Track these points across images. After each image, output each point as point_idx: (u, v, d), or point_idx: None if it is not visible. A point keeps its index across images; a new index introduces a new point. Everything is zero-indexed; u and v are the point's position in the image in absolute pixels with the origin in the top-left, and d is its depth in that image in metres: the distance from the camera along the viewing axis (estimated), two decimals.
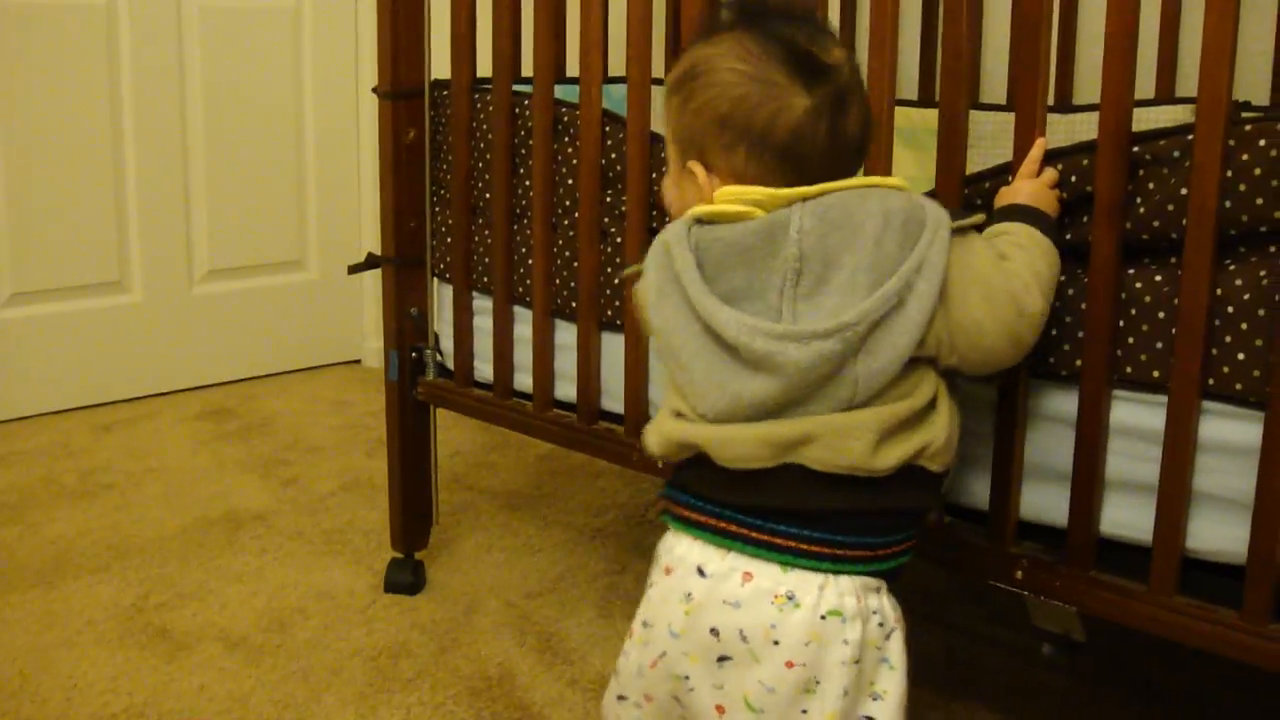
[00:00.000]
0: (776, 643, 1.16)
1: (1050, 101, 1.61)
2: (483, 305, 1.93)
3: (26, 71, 2.80)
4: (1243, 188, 1.20)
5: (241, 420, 2.95)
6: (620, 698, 1.28)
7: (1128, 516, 1.33)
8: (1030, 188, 1.31)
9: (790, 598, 1.16)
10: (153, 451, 2.74)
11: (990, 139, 2.08)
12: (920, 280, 1.15)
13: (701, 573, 1.18)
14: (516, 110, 1.83)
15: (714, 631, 1.17)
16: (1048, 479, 1.38)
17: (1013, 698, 1.78)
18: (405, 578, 2.09)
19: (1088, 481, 1.33)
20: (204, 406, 3.04)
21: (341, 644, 1.93)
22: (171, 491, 2.52)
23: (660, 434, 1.24)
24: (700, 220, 1.20)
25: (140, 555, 2.23)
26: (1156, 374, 1.28)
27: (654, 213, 1.63)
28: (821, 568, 1.18)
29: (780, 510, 1.18)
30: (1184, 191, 1.23)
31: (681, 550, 1.21)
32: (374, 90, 1.98)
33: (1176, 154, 1.24)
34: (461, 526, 2.33)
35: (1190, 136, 1.22)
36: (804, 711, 1.17)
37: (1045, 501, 1.38)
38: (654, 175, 1.62)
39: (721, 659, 1.17)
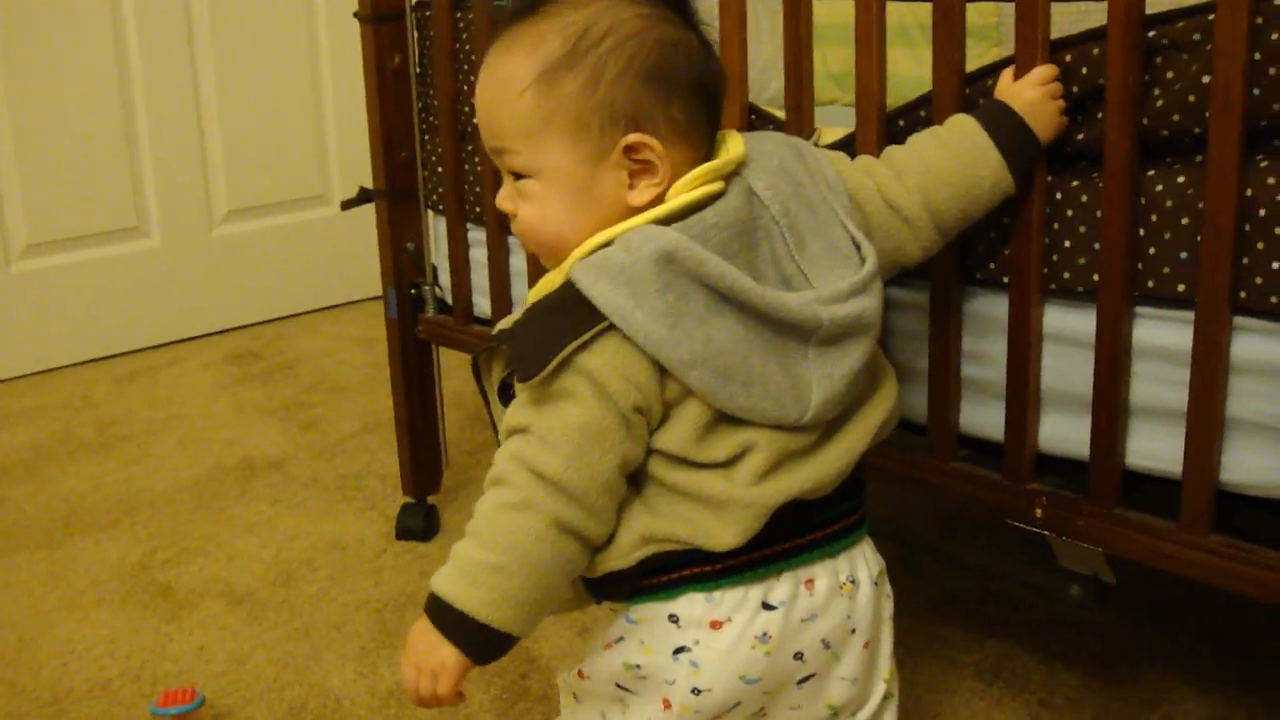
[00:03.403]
0: (854, 631, 1.10)
1: None
2: (478, 236, 1.82)
3: (31, 18, 2.71)
4: (1273, 71, 1.06)
5: (266, 362, 2.88)
6: None
7: (1155, 447, 1.20)
8: (1026, 94, 1.18)
9: (853, 581, 1.09)
10: (174, 399, 2.67)
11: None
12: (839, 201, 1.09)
13: (768, 606, 1.05)
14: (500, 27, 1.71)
15: (798, 656, 1.07)
16: (1067, 407, 1.25)
17: (1048, 633, 1.67)
18: (417, 524, 2.01)
19: (1110, 409, 1.20)
20: (229, 350, 2.97)
21: (348, 597, 1.85)
22: (189, 440, 2.45)
23: (747, 515, 1.01)
24: (664, 220, 1.02)
25: (151, 509, 2.16)
26: (1182, 288, 1.14)
27: None
28: (856, 538, 1.11)
29: (824, 504, 1.07)
30: (1206, 79, 1.09)
31: (731, 600, 1.04)
32: (355, 14, 1.87)
33: (1197, 37, 1.10)
34: (479, 468, 2.24)
35: (1211, 16, 1.07)
36: (870, 685, 1.14)
37: (1065, 432, 1.26)
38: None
39: (803, 680, 1.09)
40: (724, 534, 1.02)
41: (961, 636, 1.68)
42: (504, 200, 1.09)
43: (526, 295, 1.08)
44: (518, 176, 1.06)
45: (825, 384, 1.03)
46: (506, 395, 1.07)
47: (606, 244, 1.02)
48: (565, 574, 1.03)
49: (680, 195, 1.03)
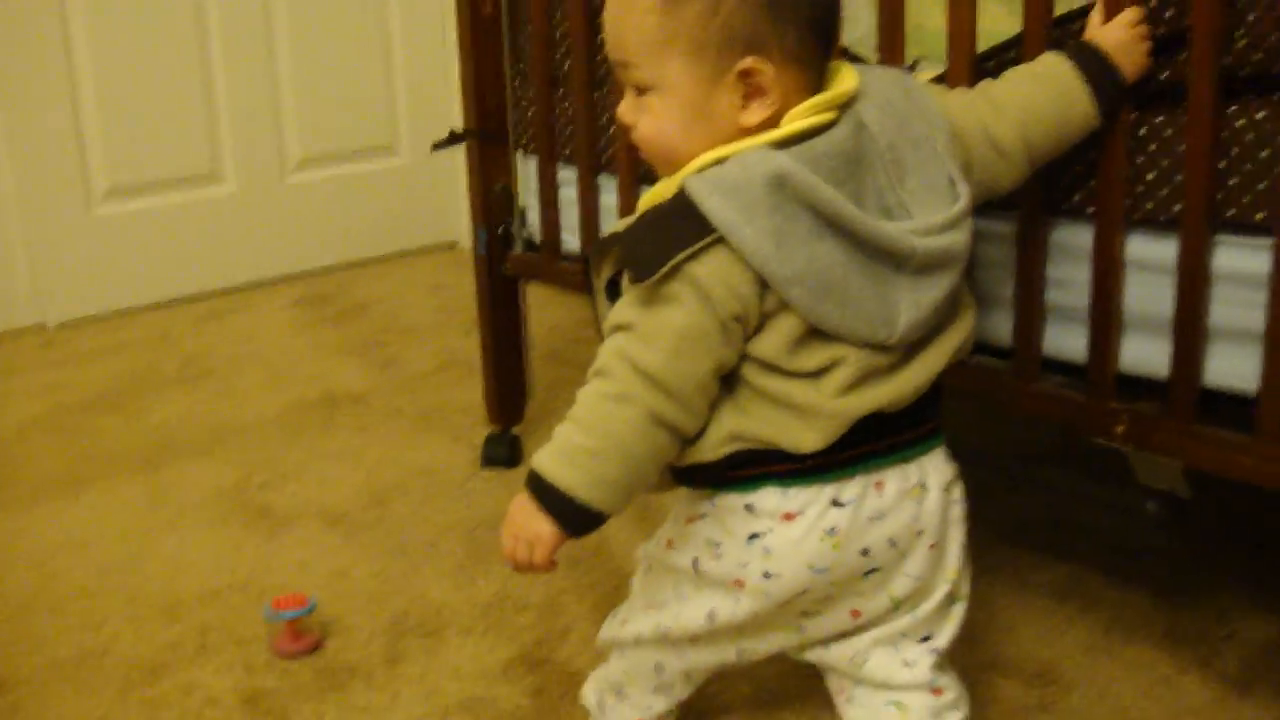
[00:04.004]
0: (920, 533, 1.17)
1: None
2: (568, 176, 1.90)
3: None
4: None
5: (338, 305, 2.97)
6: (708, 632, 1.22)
7: (1233, 366, 1.28)
8: (1115, 34, 1.26)
9: (922, 486, 1.17)
10: (252, 338, 2.77)
11: None
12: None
13: (838, 504, 1.13)
14: None
15: (864, 551, 1.15)
16: (1147, 329, 1.33)
17: (1118, 556, 1.75)
18: (502, 452, 2.10)
19: (1190, 331, 1.28)
20: (302, 293, 3.06)
21: (440, 518, 1.95)
22: (270, 376, 2.54)
23: (832, 424, 1.10)
24: (778, 144, 1.08)
25: (240, 438, 2.26)
26: (1260, 216, 1.22)
27: None
28: (929, 446, 1.18)
29: (900, 415, 1.15)
30: None
31: (804, 496, 1.13)
32: None
33: None
34: (558, 400, 2.32)
35: None
36: (935, 582, 1.21)
37: (1146, 354, 1.34)
38: None
39: (869, 572, 1.16)
40: (806, 438, 1.10)
41: (1033, 559, 1.76)
42: (625, 112, 1.17)
43: (640, 202, 1.16)
44: (639, 91, 1.14)
45: (913, 309, 1.10)
46: (613, 293, 1.16)
47: (721, 160, 1.09)
48: (656, 462, 1.11)
49: (795, 122, 1.10)
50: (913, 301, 1.10)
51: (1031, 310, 1.39)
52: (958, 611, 1.24)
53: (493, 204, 2.01)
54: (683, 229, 1.06)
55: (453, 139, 2.03)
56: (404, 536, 1.90)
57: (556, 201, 1.93)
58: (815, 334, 1.09)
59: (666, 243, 1.06)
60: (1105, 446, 1.36)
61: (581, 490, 1.09)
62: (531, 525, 1.12)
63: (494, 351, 2.09)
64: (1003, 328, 1.43)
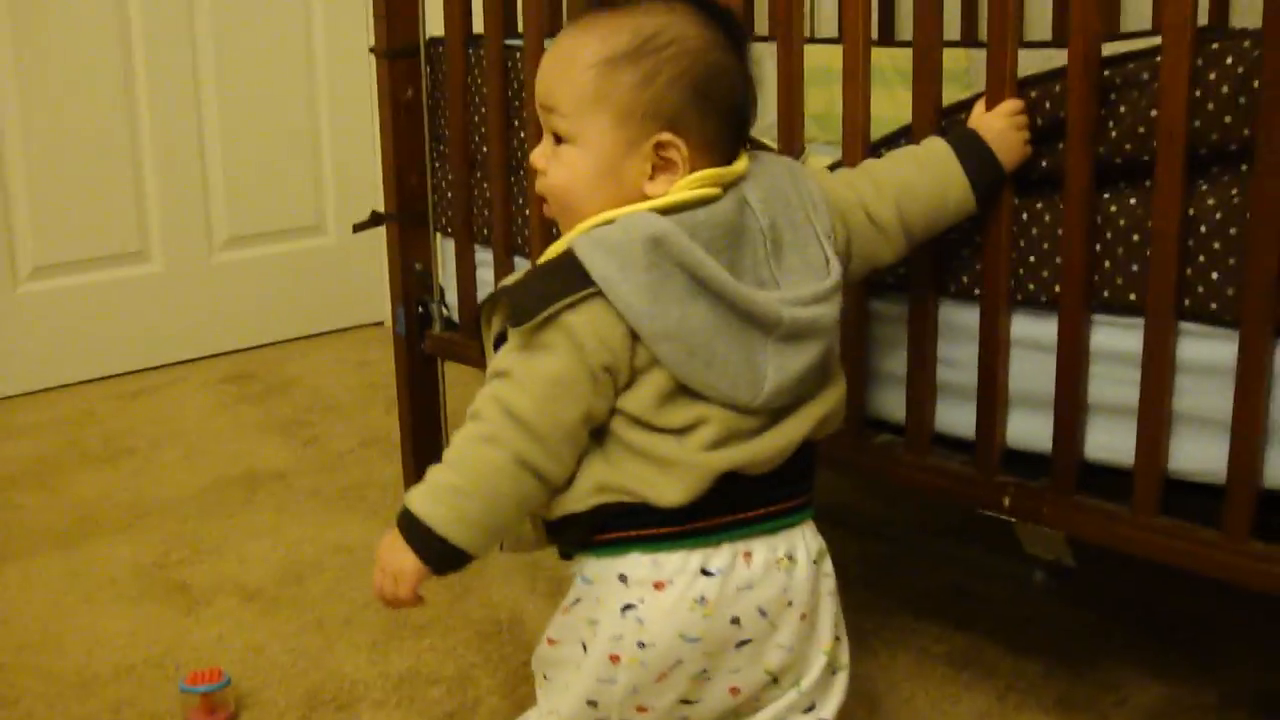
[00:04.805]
0: (790, 603, 1.20)
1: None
2: (485, 258, 1.95)
3: (40, 48, 2.83)
4: (1211, 106, 1.21)
5: (263, 383, 2.99)
6: None
7: (1110, 440, 1.35)
8: (994, 124, 1.33)
9: (790, 557, 1.20)
10: (175, 416, 2.78)
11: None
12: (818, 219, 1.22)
13: (706, 572, 1.16)
14: (509, 64, 1.84)
15: (735, 620, 1.17)
16: (1031, 406, 1.39)
17: (1013, 625, 1.80)
18: None
19: (1070, 406, 1.34)
20: (227, 372, 3.08)
21: (356, 595, 1.96)
22: (192, 454, 2.56)
23: (692, 476, 1.14)
24: (662, 210, 1.14)
25: (160, 515, 2.27)
26: (1133, 297, 1.29)
27: None
28: (796, 520, 1.22)
29: (766, 485, 1.19)
30: (1154, 113, 1.24)
31: (672, 564, 1.16)
32: (371, 50, 2.00)
33: (1145, 76, 1.25)
34: None
35: (1158, 59, 1.22)
36: (809, 654, 1.23)
37: (1029, 429, 1.40)
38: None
39: (741, 644, 1.19)
40: (670, 491, 1.14)
41: (934, 630, 1.80)
42: (539, 158, 1.22)
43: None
44: (557, 140, 1.20)
45: (779, 375, 1.15)
46: (501, 346, 1.20)
47: (608, 222, 1.15)
48: (520, 506, 1.16)
49: (681, 193, 1.16)
50: (779, 367, 1.15)
51: (923, 388, 1.45)
52: (840, 681, 1.26)
53: (412, 284, 2.05)
54: (564, 281, 1.12)
55: (374, 220, 2.08)
56: (320, 612, 1.91)
57: (474, 282, 1.97)
58: (682, 391, 1.14)
59: (547, 292, 1.12)
60: (994, 518, 1.42)
61: (443, 526, 1.13)
62: (397, 560, 1.16)
63: (413, 429, 2.12)
64: (895, 404, 1.49)
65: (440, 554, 1.14)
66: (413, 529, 1.14)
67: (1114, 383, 1.33)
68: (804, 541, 1.21)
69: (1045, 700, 1.64)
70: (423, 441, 2.13)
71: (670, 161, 1.16)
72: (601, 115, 1.16)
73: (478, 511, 1.13)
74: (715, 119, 1.17)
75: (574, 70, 1.17)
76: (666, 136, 1.16)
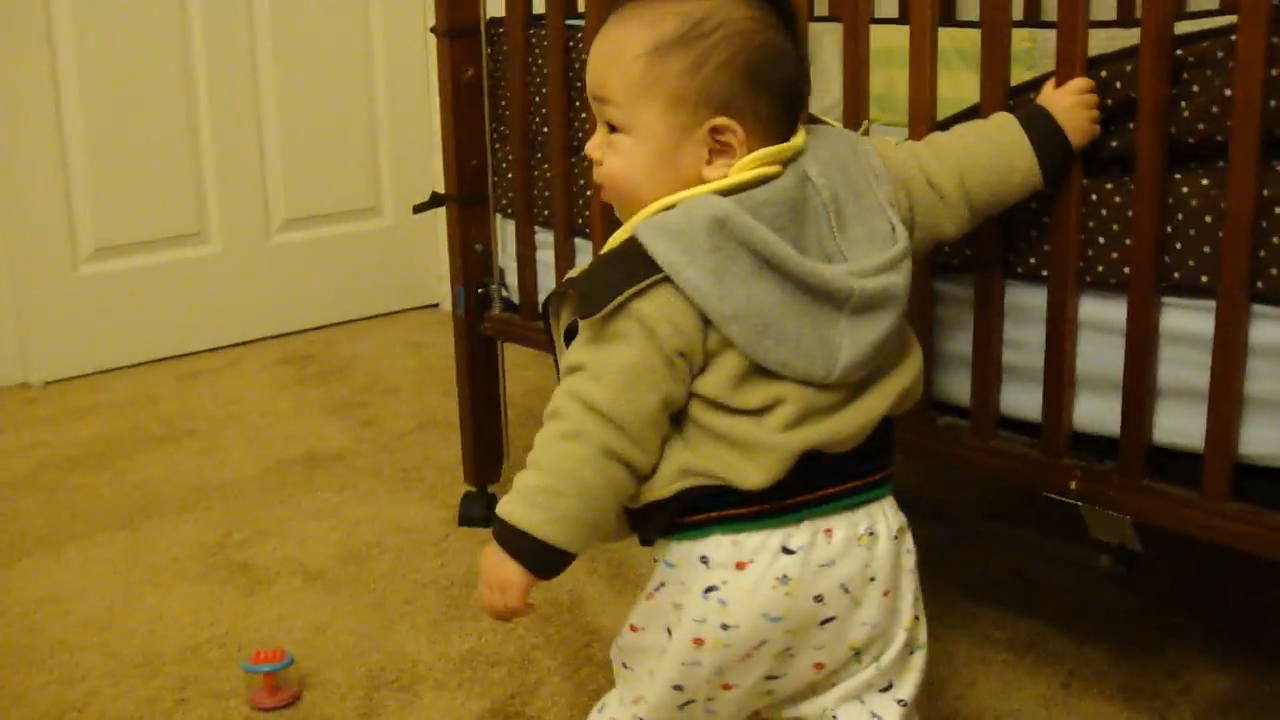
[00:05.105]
0: (873, 579, 1.19)
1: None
2: (545, 239, 1.95)
3: (101, 31, 2.86)
4: None
5: (321, 365, 3.01)
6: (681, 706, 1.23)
7: (1180, 424, 1.33)
8: (1063, 100, 1.31)
9: (871, 533, 1.19)
10: (235, 398, 2.80)
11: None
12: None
13: (788, 550, 1.15)
14: (570, 45, 1.84)
15: (818, 598, 1.17)
16: (1098, 389, 1.38)
17: (1076, 611, 1.79)
18: (478, 510, 2.13)
19: (1138, 389, 1.32)
20: (285, 353, 3.10)
21: (416, 575, 1.98)
22: (252, 435, 2.58)
23: (774, 458, 1.13)
24: (722, 192, 1.13)
25: (222, 496, 2.29)
26: (1205, 279, 1.27)
27: None
28: (876, 495, 1.21)
29: (846, 461, 1.18)
30: (1228, 92, 1.22)
31: (753, 543, 1.15)
32: (431, 29, 2.00)
33: (1220, 55, 1.23)
34: None
35: (1233, 37, 1.20)
36: (892, 631, 1.23)
37: (1097, 412, 1.38)
38: None
39: (825, 621, 1.18)
40: (753, 474, 1.13)
41: (995, 615, 1.80)
42: (594, 148, 1.21)
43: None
44: (611, 129, 1.19)
45: (853, 348, 1.14)
46: (571, 340, 1.19)
47: (669, 207, 1.14)
48: (613, 496, 1.14)
49: (740, 173, 1.15)
50: (853, 340, 1.14)
51: (988, 370, 1.44)
52: (918, 660, 1.26)
53: (471, 265, 2.06)
54: (630, 269, 1.11)
55: (434, 201, 2.08)
56: (381, 592, 1.93)
57: (534, 263, 1.97)
58: (757, 371, 1.13)
59: (615, 282, 1.11)
60: (1060, 502, 1.40)
61: (541, 529, 1.12)
62: (500, 571, 1.15)
63: (472, 411, 2.13)
64: (961, 387, 1.48)
65: (542, 557, 1.13)
66: (511, 537, 1.13)
67: (1184, 365, 1.31)
68: (885, 517, 1.21)
69: (1109, 687, 1.63)
70: (481, 424, 2.14)
71: (727, 145, 1.16)
72: (653, 103, 1.15)
73: (573, 509, 1.12)
74: (768, 99, 1.16)
75: (623, 60, 1.16)
76: (721, 121, 1.15)
